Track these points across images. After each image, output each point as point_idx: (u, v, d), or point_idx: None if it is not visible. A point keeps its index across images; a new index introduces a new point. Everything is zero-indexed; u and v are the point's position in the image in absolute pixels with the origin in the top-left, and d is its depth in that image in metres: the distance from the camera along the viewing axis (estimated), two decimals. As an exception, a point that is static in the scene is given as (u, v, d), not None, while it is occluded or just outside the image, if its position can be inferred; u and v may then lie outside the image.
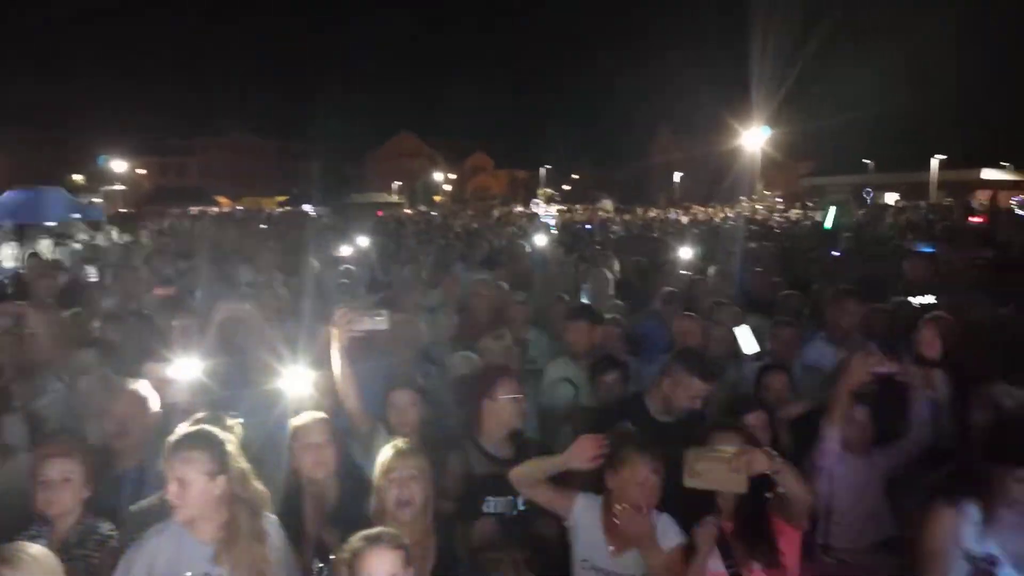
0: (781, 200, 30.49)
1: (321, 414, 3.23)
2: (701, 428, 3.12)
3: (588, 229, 17.14)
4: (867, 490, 3.60)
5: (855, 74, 44.95)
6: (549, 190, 43.89)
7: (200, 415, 2.94)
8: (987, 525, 2.62)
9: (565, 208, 30.94)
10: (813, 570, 3.51)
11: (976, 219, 17.88)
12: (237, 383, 3.87)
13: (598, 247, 11.05)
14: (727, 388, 4.37)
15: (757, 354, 4.59)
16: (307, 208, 32.47)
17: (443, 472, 3.21)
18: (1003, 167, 40.83)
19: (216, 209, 40.30)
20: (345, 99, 77.90)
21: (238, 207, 42.47)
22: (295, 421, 3.21)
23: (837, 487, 3.59)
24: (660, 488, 2.81)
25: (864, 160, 42.98)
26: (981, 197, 31.80)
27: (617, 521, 2.83)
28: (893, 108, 41.40)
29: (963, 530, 2.64)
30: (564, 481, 3.02)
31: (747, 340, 4.55)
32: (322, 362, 3.57)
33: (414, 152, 64.55)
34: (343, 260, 9.02)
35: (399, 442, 2.90)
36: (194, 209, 35.18)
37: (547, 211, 27.01)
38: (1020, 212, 14.98)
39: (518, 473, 3.01)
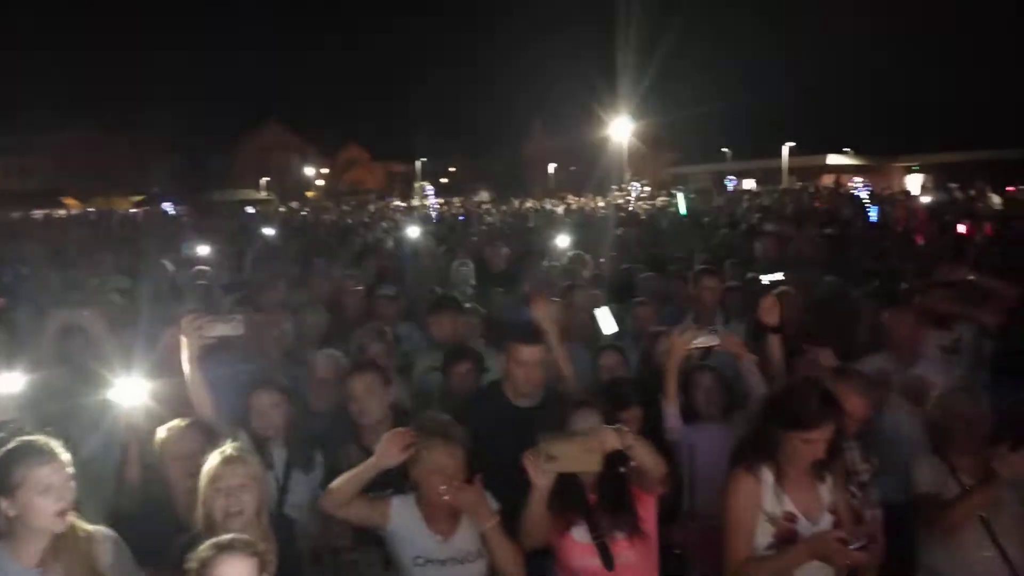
0: (648, 188, 31.78)
1: (189, 421, 3.11)
2: (561, 408, 3.18)
3: (462, 220, 17.20)
4: (726, 456, 3.81)
5: (713, 68, 47.68)
6: (426, 183, 43.64)
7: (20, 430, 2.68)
8: (780, 486, 2.80)
9: (442, 201, 30.81)
10: (680, 537, 3.70)
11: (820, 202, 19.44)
12: (72, 395, 3.60)
13: (473, 238, 11.10)
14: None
15: (616, 334, 4.74)
16: (167, 207, 30.54)
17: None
18: (845, 153, 44.55)
19: (64, 212, 37.42)
20: (207, 85, 73.42)
21: (89, 208, 39.43)
22: (162, 432, 3.07)
23: (697, 455, 3.76)
24: (463, 468, 2.87)
25: (723, 149, 45.70)
26: (827, 180, 34.63)
27: (445, 499, 2.85)
28: (748, 100, 44.35)
29: (762, 493, 2.81)
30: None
31: (606, 321, 4.69)
32: (168, 370, 3.37)
33: (283, 145, 62.07)
34: (199, 261, 8.56)
35: (228, 448, 2.74)
36: (38, 212, 32.35)
37: (433, 203, 26.88)
38: (858, 195, 16.31)
39: (333, 495, 2.91)
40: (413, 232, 10.72)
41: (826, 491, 2.87)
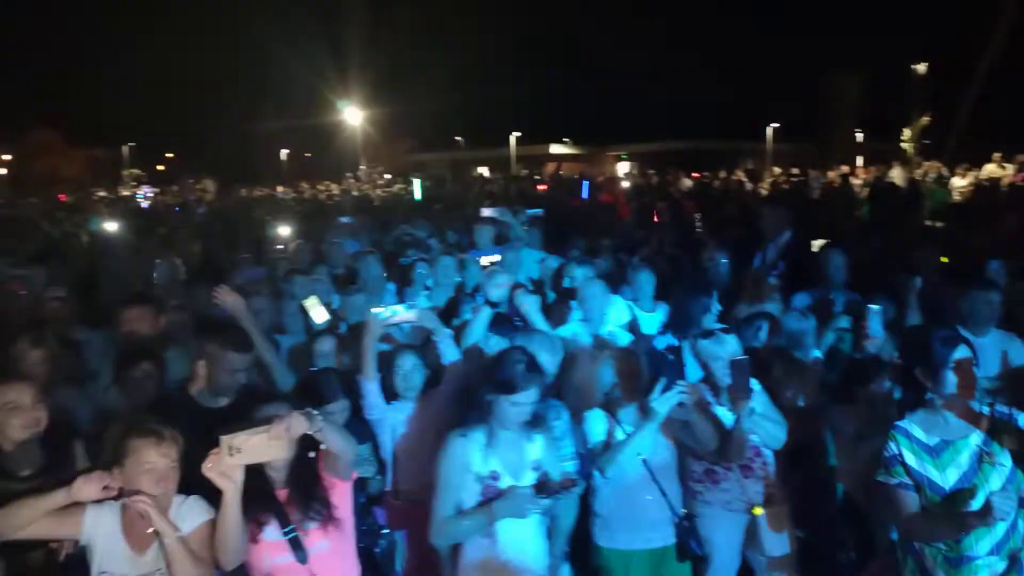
0: (388, 176, 31.74)
1: None
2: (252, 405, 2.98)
3: (177, 211, 15.66)
4: (427, 433, 3.80)
5: (447, 60, 48.88)
6: (136, 170, 39.08)
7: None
8: (490, 447, 3.01)
9: (158, 190, 27.85)
10: (385, 515, 3.70)
11: (542, 187, 20.89)
12: None
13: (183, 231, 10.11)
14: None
15: (328, 322, 4.60)
16: None
17: None
18: (565, 143, 48.35)
19: None
20: None
21: None
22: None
23: (397, 434, 3.82)
24: (179, 470, 2.67)
25: (457, 138, 47.16)
26: (550, 168, 37.34)
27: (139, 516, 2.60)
28: (480, 91, 46.28)
29: (471, 455, 3.00)
30: None
31: (316, 311, 4.53)
32: None
33: (-50, 128, 51.44)
34: None
35: None
36: None
37: (146, 191, 24.07)
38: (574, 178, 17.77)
39: (7, 520, 2.54)
40: (110, 226, 9.49)
41: (533, 449, 3.07)
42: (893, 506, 2.83)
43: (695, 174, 24.62)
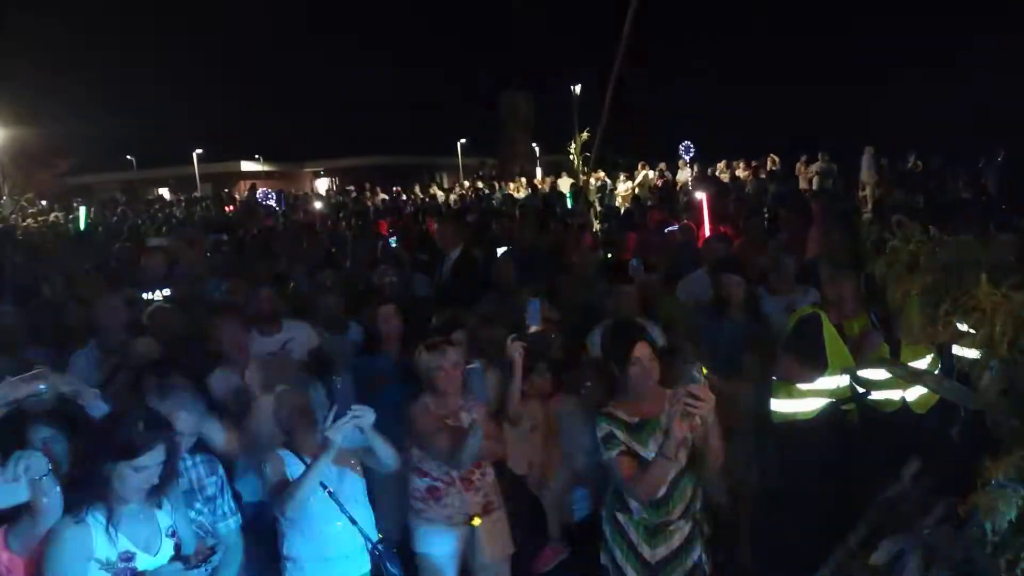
0: (42, 203, 27.09)
1: None
2: None
3: None
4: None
5: (111, 71, 43.49)
6: None
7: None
8: (113, 524, 2.60)
9: None
10: None
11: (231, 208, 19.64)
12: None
13: None
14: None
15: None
16: None
17: None
18: (256, 159, 45.99)
19: None
20: None
21: None
22: None
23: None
24: None
25: (128, 156, 42.32)
26: (243, 187, 35.21)
27: None
28: (149, 107, 41.98)
29: (92, 541, 2.56)
30: None
31: None
32: None
33: None
34: None
35: None
36: None
37: None
38: (266, 202, 16.83)
39: None
40: None
41: (165, 516, 2.75)
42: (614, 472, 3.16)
43: (396, 188, 25.06)
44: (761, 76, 32.66)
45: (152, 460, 2.56)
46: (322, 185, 38.87)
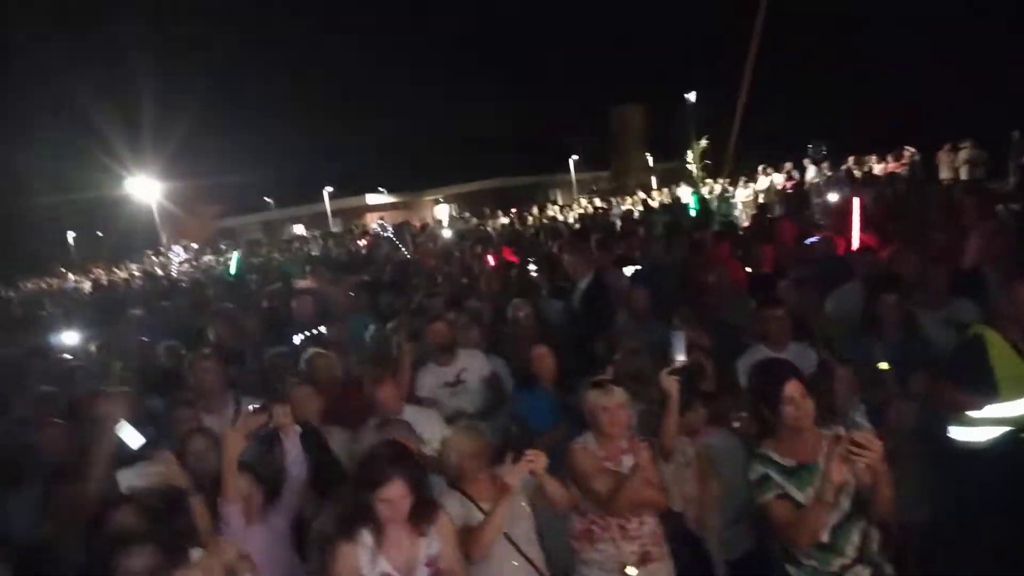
0: (195, 247, 29.62)
1: None
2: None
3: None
4: (275, 551, 3.60)
5: (247, 119, 47.33)
6: None
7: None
8: (379, 547, 2.91)
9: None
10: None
11: (364, 242, 20.52)
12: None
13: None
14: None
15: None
16: None
17: None
18: (380, 192, 48.15)
19: None
20: None
21: None
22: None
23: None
24: None
25: (266, 199, 45.53)
26: (370, 219, 36.95)
27: None
28: (282, 150, 45.16)
29: (360, 558, 2.89)
30: None
31: (130, 435, 3.99)
32: None
33: None
34: None
35: None
36: None
37: None
38: (384, 233, 17.53)
39: None
40: None
41: (425, 546, 2.97)
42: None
43: (513, 210, 25.35)
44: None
45: (394, 492, 2.81)
46: (442, 212, 40.11)
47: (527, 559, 3.47)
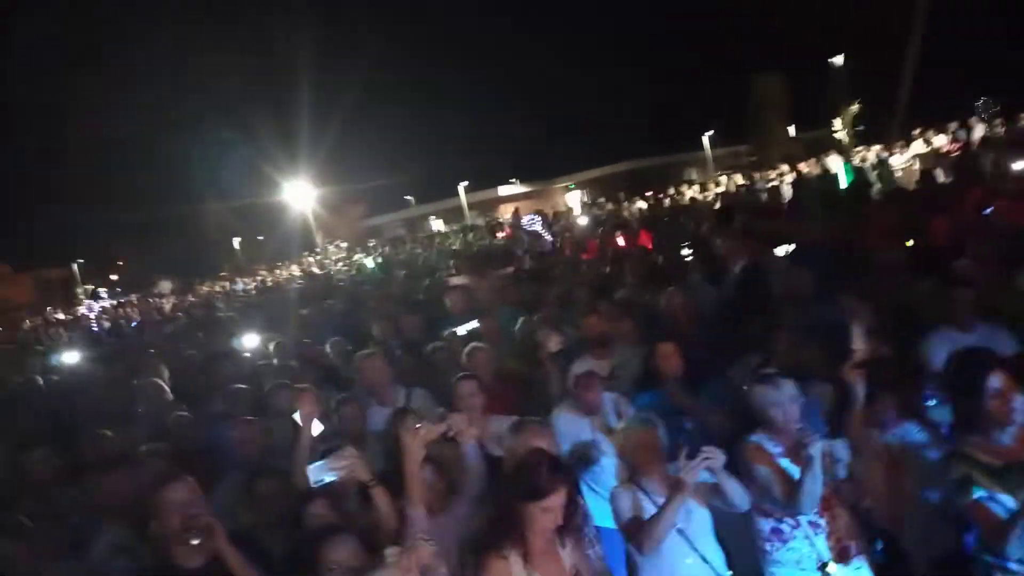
0: (344, 247, 31.49)
1: None
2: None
3: (136, 327, 15.21)
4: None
5: (389, 122, 49.85)
6: (90, 286, 38.27)
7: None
8: (528, 562, 2.86)
9: (115, 303, 27.23)
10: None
11: (502, 234, 20.88)
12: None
13: (151, 351, 9.78)
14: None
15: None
16: None
17: None
18: (512, 183, 48.79)
19: None
20: None
21: None
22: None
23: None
24: None
25: (407, 197, 47.46)
26: (504, 211, 37.55)
27: None
28: (418, 150, 47.03)
29: (512, 573, 2.85)
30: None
31: (318, 431, 4.26)
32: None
33: None
34: None
35: None
36: None
37: (96, 310, 23.39)
38: (530, 228, 17.62)
39: None
40: (71, 357, 9.12)
41: (567, 555, 2.98)
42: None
43: (648, 192, 24.81)
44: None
45: (556, 502, 2.81)
46: (573, 198, 39.98)
47: (702, 557, 3.40)
